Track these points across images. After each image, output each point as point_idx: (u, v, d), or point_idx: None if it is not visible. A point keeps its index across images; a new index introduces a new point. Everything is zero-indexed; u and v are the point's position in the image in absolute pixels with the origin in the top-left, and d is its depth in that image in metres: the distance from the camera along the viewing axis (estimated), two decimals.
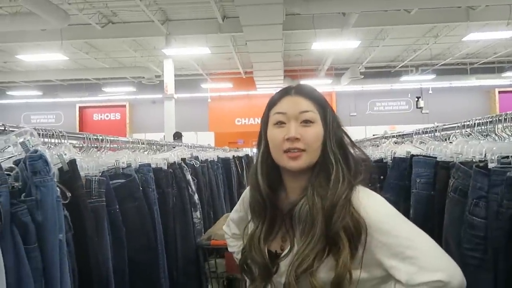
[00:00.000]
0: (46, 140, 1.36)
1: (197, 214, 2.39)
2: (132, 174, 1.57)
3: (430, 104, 14.01)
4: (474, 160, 1.22)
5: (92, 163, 1.41)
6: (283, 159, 1.02)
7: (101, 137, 1.76)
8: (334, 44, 8.83)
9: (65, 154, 1.23)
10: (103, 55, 11.62)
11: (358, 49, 10.75)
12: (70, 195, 1.10)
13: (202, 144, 4.71)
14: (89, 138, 1.68)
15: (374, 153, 2.35)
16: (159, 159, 2.03)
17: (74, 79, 14.23)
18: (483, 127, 1.47)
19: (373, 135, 4.12)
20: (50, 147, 1.37)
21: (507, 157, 1.12)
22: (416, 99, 14.04)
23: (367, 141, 3.51)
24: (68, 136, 1.50)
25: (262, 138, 1.11)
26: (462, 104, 13.56)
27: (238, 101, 14.18)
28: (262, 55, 9.29)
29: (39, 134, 1.30)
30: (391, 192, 1.78)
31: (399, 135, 2.42)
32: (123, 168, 1.59)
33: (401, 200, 1.67)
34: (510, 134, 1.30)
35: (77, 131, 11.77)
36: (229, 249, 1.39)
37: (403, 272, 0.90)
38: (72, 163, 1.21)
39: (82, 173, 1.33)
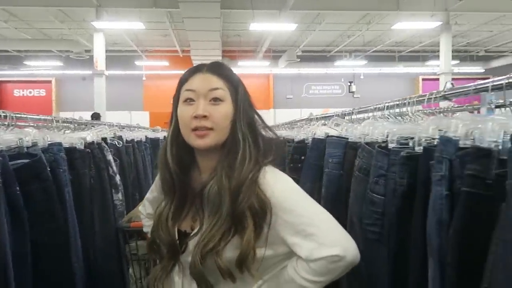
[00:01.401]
0: None
1: (119, 196, 2.30)
2: (38, 153, 1.45)
3: (361, 89, 14.71)
4: (378, 140, 1.29)
5: None
6: (191, 137, 1.01)
7: (3, 114, 1.61)
8: (272, 25, 8.87)
9: None
10: (25, 25, 10.62)
11: (295, 32, 10.91)
12: None
13: (136, 124, 4.53)
14: None
15: (299, 134, 2.41)
16: (74, 138, 1.91)
17: None
18: (391, 110, 1.56)
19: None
20: None
21: (412, 138, 1.20)
22: (349, 83, 14.66)
23: (296, 122, 3.62)
24: None
25: (173, 116, 1.09)
26: (390, 89, 14.39)
27: (174, 80, 13.16)
28: (200, 34, 9.08)
29: None
30: (310, 171, 1.84)
31: (322, 117, 2.51)
32: (27, 147, 1.46)
33: (317, 179, 1.74)
34: (412, 116, 1.39)
35: None
36: (144, 229, 1.37)
37: (304, 249, 0.94)
38: None
39: None
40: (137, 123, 5.43)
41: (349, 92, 14.68)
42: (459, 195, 0.82)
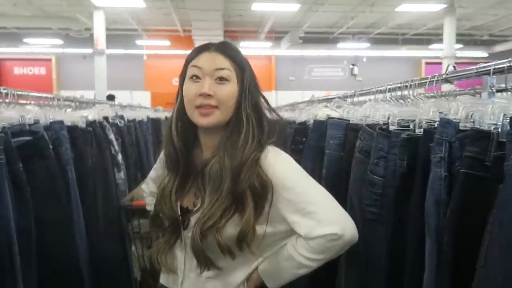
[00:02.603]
0: None
1: (121, 174, 2.33)
2: (40, 131, 1.46)
3: (364, 72, 14.58)
4: (379, 123, 1.29)
5: None
6: (195, 115, 1.02)
7: (5, 91, 1.61)
8: (274, 6, 8.73)
9: None
10: (23, 1, 10.44)
11: (298, 13, 10.74)
12: None
13: (137, 104, 4.52)
14: None
15: (300, 116, 2.42)
16: (76, 117, 1.92)
17: None
18: (393, 93, 1.56)
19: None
20: None
21: (413, 120, 1.21)
22: (351, 66, 14.53)
23: (298, 104, 3.63)
24: None
25: (179, 93, 1.09)
26: (393, 73, 14.23)
27: (176, 60, 13.49)
28: (201, 13, 8.94)
29: None
30: (311, 153, 1.85)
31: (324, 99, 2.51)
32: (30, 125, 1.47)
33: (318, 161, 1.75)
34: (413, 99, 1.39)
35: None
36: (147, 208, 1.39)
37: (303, 226, 0.96)
38: None
39: None
40: (139, 103, 5.42)
41: (352, 74, 14.57)
42: (458, 176, 0.83)
